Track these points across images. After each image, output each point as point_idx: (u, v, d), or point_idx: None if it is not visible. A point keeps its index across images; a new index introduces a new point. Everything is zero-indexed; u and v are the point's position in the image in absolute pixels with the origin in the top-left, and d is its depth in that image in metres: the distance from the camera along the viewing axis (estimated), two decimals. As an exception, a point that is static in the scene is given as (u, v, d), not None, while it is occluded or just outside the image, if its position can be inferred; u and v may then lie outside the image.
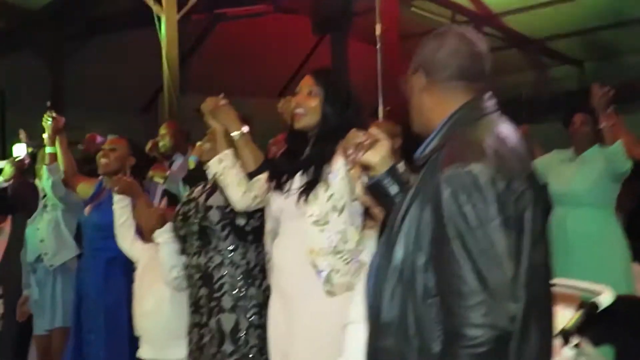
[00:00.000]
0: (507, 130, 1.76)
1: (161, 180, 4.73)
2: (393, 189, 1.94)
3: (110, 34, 10.46)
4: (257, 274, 3.14)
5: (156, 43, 8.42)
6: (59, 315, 4.41)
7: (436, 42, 1.84)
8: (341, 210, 2.62)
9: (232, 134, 2.98)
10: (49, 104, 9.33)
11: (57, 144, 4.22)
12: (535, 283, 1.65)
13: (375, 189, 1.97)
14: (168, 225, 3.31)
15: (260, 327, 3.09)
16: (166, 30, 8.25)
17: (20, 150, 4.60)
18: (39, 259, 4.45)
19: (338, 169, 2.62)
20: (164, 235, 3.32)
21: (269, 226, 2.89)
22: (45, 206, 4.49)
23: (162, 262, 3.33)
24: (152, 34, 8.58)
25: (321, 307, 2.62)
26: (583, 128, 4.10)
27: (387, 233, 1.79)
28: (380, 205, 2.00)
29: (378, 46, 6.38)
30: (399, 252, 1.72)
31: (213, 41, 11.45)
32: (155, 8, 8.19)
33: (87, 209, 3.99)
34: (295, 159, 2.82)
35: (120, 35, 10.47)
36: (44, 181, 4.23)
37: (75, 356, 3.91)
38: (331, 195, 2.61)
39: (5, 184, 4.63)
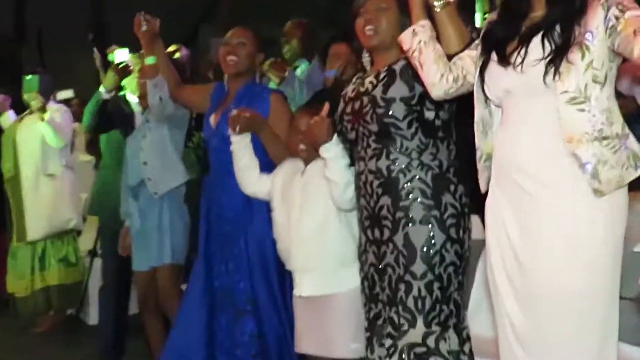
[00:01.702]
0: None
1: (276, 81, 4.04)
2: None
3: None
4: (452, 178, 2.59)
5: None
6: (167, 251, 3.82)
7: None
8: (604, 82, 2.04)
9: (433, 3, 2.34)
10: (91, 36, 8.59)
11: (156, 52, 3.60)
12: None
13: None
14: (335, 137, 2.76)
15: (458, 242, 2.57)
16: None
17: (123, 55, 3.94)
18: (141, 183, 3.83)
19: (596, 27, 2.03)
20: (334, 149, 2.76)
21: (478, 115, 2.29)
22: (147, 121, 3.84)
23: (333, 182, 2.78)
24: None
25: (585, 210, 2.05)
26: None
27: None
28: None
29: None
30: None
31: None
32: None
33: (212, 119, 3.36)
34: (518, 24, 2.20)
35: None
36: (150, 97, 3.58)
37: (203, 293, 3.27)
38: (591, 62, 2.01)
39: (108, 96, 4.00)
